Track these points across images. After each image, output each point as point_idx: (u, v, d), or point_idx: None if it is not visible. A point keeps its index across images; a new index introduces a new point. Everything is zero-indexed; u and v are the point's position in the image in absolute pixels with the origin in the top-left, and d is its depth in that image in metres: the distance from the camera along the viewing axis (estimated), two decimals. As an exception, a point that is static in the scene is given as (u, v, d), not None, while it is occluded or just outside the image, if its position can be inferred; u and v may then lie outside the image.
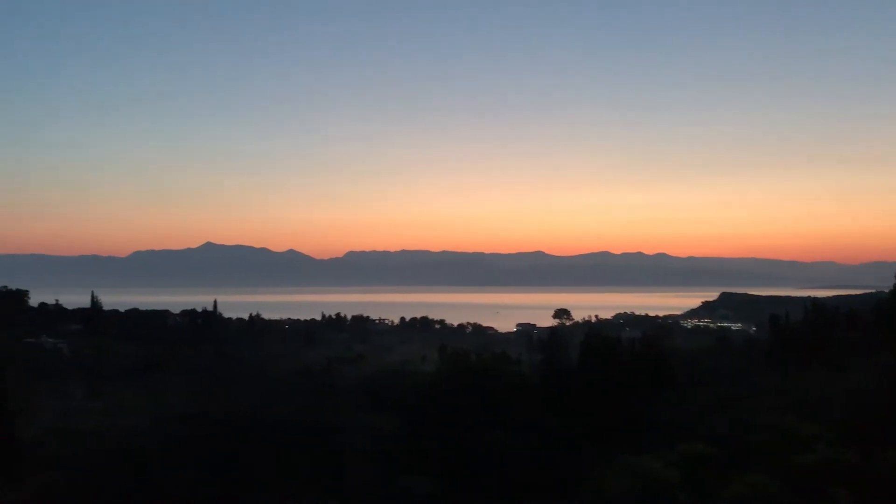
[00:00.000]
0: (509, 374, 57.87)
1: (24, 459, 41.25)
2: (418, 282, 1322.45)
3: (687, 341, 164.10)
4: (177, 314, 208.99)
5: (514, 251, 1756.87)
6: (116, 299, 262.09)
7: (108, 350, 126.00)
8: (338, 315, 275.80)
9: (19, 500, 31.44)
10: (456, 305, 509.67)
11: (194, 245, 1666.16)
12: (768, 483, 25.90)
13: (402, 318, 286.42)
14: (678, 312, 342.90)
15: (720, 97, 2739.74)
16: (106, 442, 43.78)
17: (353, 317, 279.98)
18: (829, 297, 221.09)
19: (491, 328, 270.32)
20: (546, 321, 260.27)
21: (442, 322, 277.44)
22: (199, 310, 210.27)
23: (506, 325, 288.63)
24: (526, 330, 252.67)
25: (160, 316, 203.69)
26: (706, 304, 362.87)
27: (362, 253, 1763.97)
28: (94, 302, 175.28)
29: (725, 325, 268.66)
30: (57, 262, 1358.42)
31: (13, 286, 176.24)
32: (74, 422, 61.68)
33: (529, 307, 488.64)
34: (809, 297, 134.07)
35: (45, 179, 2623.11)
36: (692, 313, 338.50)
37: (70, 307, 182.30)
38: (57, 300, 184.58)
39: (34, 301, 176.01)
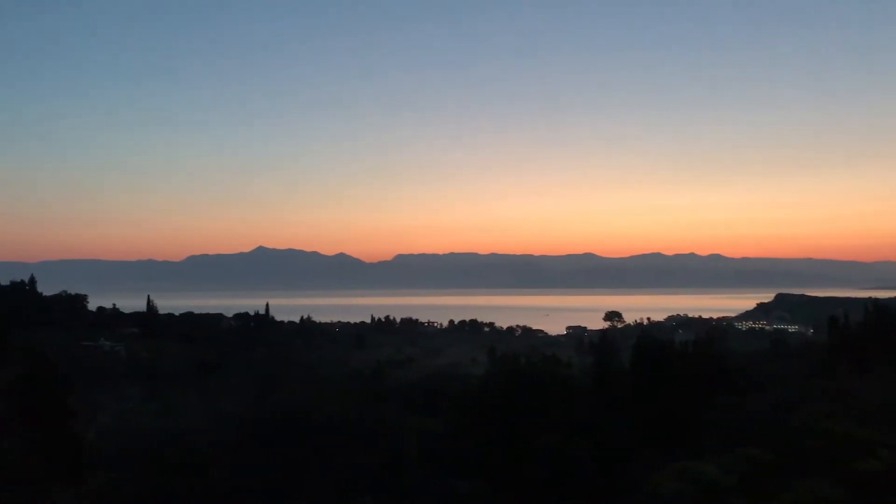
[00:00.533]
0: (560, 377, 57.29)
1: (83, 459, 42.21)
2: (467, 284, 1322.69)
3: (741, 344, 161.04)
4: (230, 317, 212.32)
5: (563, 253, 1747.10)
6: (172, 303, 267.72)
7: (164, 353, 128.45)
8: (387, 318, 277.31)
9: (79, 499, 32.13)
10: (505, 308, 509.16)
11: (247, 249, 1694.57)
12: (828, 490, 25.16)
13: (451, 321, 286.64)
14: (732, 314, 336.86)
15: (775, 94, 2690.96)
16: (163, 443, 44.58)
17: (403, 319, 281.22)
18: (892, 298, 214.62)
19: (541, 331, 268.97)
20: (597, 324, 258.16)
21: (491, 325, 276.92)
22: (252, 313, 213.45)
23: (556, 327, 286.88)
24: (576, 332, 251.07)
25: (214, 319, 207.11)
26: (761, 306, 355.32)
27: (411, 256, 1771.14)
28: (150, 306, 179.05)
29: (781, 327, 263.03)
30: (114, 267, 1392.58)
31: (72, 291, 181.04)
32: (132, 423, 63.03)
33: (580, 309, 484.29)
34: (871, 298, 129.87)
35: (103, 186, 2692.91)
36: (747, 315, 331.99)
37: (127, 311, 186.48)
38: (114, 304, 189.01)
39: (92, 305, 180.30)
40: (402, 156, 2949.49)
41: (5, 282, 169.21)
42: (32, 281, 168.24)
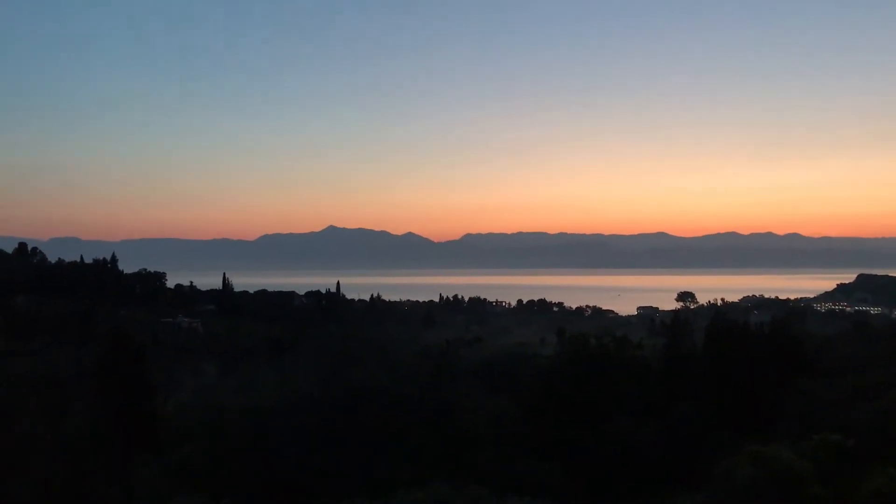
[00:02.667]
0: (631, 359, 56.65)
1: (163, 433, 43.69)
2: (536, 264, 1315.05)
3: (821, 326, 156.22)
4: (302, 295, 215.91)
5: (635, 232, 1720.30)
6: (246, 281, 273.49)
7: (240, 330, 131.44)
8: (455, 297, 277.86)
9: (160, 471, 33.28)
10: (574, 288, 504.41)
11: (318, 229, 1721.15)
12: (912, 479, 24.23)
13: (520, 301, 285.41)
14: (811, 295, 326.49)
15: (856, 66, 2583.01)
16: (239, 419, 45.74)
17: (471, 299, 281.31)
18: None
19: (611, 311, 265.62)
20: (669, 304, 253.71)
21: (560, 305, 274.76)
22: (323, 291, 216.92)
23: (626, 308, 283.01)
24: (648, 313, 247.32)
25: (287, 297, 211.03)
26: (842, 287, 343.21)
27: (479, 235, 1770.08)
28: (226, 284, 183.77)
29: (863, 308, 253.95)
30: (191, 245, 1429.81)
31: (151, 269, 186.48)
32: (209, 398, 64.86)
33: (651, 290, 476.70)
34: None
35: (181, 168, 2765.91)
36: (826, 296, 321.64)
37: (203, 288, 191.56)
38: (191, 282, 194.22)
39: (171, 283, 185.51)
40: (470, 136, 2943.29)
41: (89, 260, 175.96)
42: (114, 259, 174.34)
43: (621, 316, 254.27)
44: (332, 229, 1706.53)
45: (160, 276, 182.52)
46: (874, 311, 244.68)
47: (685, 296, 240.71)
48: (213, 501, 27.22)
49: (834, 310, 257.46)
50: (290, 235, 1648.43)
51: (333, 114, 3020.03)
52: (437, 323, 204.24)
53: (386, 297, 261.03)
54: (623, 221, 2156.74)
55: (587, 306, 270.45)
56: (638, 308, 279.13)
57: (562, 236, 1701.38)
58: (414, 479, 32.92)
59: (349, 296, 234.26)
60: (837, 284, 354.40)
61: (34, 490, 28.52)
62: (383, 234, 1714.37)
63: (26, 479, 28.98)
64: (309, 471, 38.22)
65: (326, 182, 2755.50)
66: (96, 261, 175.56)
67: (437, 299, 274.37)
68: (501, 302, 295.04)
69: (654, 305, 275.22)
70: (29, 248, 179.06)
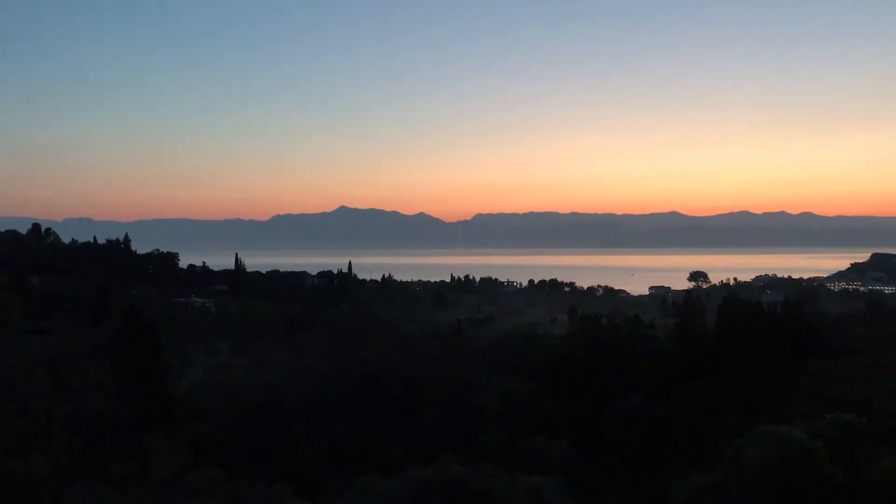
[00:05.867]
0: (643, 339, 56.52)
1: (176, 411, 44.07)
2: (547, 244, 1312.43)
3: (834, 305, 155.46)
4: (314, 275, 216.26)
5: (647, 212, 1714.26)
6: (258, 261, 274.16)
7: (252, 309, 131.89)
8: (467, 277, 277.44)
9: (173, 448, 33.58)
10: (586, 268, 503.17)
11: (330, 209, 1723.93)
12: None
13: (531, 281, 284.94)
14: (824, 275, 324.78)
15: (870, 43, 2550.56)
16: (252, 397, 46.07)
17: (482, 279, 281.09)
18: None
19: (623, 291, 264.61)
20: (681, 284, 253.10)
21: (571, 284, 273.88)
22: (335, 271, 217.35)
23: (638, 287, 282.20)
24: (660, 293, 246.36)
25: (299, 277, 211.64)
26: (856, 266, 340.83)
27: (490, 215, 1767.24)
28: (238, 264, 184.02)
29: (877, 288, 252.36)
30: (203, 226, 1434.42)
31: (164, 249, 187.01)
32: (222, 376, 65.39)
33: (664, 270, 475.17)
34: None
35: (193, 149, 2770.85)
36: (840, 276, 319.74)
37: (216, 269, 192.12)
38: (203, 262, 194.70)
39: (183, 263, 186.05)
40: (481, 116, 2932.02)
41: (102, 240, 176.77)
42: (127, 240, 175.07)
43: (633, 296, 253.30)
44: (343, 209, 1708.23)
45: (173, 257, 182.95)
46: (888, 290, 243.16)
47: (697, 275, 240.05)
48: (228, 476, 27.47)
49: (847, 289, 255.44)
50: (302, 216, 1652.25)
51: (345, 95, 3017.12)
52: (448, 303, 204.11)
53: (397, 277, 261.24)
54: (635, 201, 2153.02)
55: (599, 286, 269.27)
56: (650, 288, 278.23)
57: (573, 216, 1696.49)
58: (425, 456, 33.13)
59: (361, 276, 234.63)
60: (851, 264, 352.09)
61: (53, 465, 28.88)
62: (395, 215, 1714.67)
63: (45, 454, 29.34)
64: (321, 448, 38.48)
65: (338, 163, 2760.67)
66: (109, 241, 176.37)
67: (448, 279, 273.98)
68: (513, 282, 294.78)
69: (666, 285, 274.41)
70: (43, 229, 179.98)
